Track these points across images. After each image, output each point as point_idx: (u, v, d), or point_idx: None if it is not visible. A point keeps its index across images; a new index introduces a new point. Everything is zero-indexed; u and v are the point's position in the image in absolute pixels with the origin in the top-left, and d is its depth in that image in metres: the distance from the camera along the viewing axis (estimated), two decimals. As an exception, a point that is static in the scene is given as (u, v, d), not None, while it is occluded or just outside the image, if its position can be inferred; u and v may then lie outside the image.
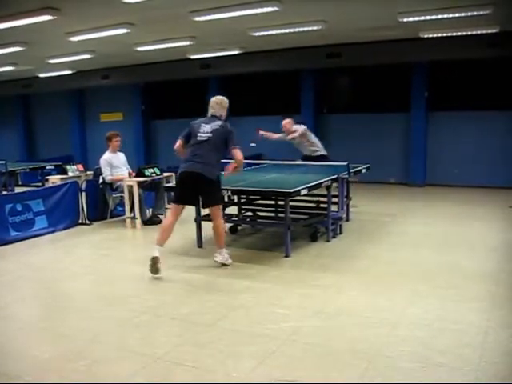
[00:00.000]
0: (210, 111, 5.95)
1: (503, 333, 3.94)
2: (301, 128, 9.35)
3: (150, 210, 8.61)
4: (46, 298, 5.14)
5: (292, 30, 9.43)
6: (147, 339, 4.02)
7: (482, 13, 7.95)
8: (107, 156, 8.45)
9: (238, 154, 5.75)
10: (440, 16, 8.29)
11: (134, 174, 8.48)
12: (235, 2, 7.51)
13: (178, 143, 5.96)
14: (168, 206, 8.89)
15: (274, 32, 9.55)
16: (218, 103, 5.97)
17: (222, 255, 5.87)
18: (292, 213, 6.86)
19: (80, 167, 9.97)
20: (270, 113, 14.13)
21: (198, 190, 5.70)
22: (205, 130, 5.70)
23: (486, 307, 4.47)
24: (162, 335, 4.10)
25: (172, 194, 8.76)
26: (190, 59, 12.82)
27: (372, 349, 3.71)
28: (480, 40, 10.09)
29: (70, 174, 9.59)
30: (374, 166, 9.14)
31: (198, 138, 5.69)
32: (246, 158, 11.33)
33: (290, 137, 9.33)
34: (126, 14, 8.07)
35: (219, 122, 5.75)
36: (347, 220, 8.00)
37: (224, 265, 5.84)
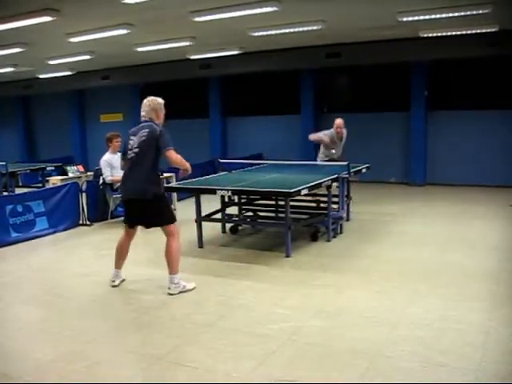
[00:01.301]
0: (141, 115, 5.29)
1: (504, 332, 3.93)
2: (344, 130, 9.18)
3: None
4: (46, 298, 5.14)
5: (291, 30, 9.42)
6: (148, 340, 4.02)
7: (481, 12, 7.95)
8: (107, 157, 8.45)
9: (172, 155, 5.02)
10: (439, 15, 8.28)
11: None
12: (235, 2, 7.50)
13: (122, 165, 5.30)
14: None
15: (273, 32, 9.54)
16: (148, 105, 5.27)
17: (176, 283, 5.04)
18: (292, 213, 6.87)
19: (80, 168, 9.98)
20: (270, 113, 14.16)
21: (140, 213, 5.14)
22: (132, 144, 5.06)
23: (486, 306, 4.48)
24: (163, 336, 4.10)
25: (172, 194, 8.85)
26: (189, 59, 12.82)
27: (372, 349, 3.71)
28: (479, 39, 10.08)
29: (71, 174, 9.60)
30: (374, 166, 9.14)
31: (128, 156, 5.09)
32: (245, 158, 11.41)
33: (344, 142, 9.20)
34: (126, 14, 8.07)
35: (146, 130, 5.03)
36: (347, 220, 8.00)
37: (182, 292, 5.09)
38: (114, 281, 5.37)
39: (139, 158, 4.98)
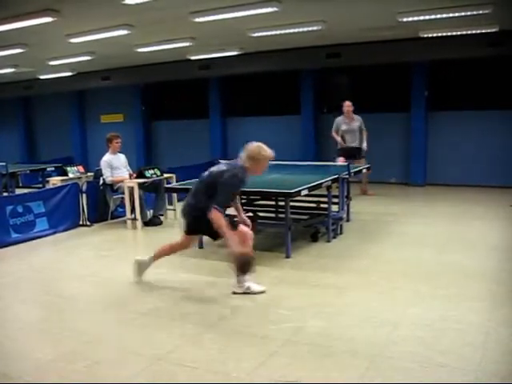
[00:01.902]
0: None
1: (504, 332, 3.93)
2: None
3: (151, 211, 8.61)
4: (46, 299, 5.14)
5: (291, 31, 9.43)
6: (148, 340, 4.02)
7: (481, 12, 7.95)
8: (107, 157, 8.46)
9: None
10: (440, 15, 8.29)
11: (134, 176, 8.50)
12: (235, 2, 7.51)
13: None
14: (169, 206, 8.92)
15: (273, 32, 9.55)
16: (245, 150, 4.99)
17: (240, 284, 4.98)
18: (292, 213, 6.86)
19: (80, 168, 9.98)
20: (269, 113, 14.15)
21: None
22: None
23: (487, 307, 4.47)
24: (163, 336, 4.10)
25: (172, 194, 8.84)
26: (189, 60, 12.82)
27: (373, 349, 3.71)
28: (480, 39, 10.09)
29: (71, 175, 9.60)
30: (375, 166, 9.15)
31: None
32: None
33: (356, 125, 10.37)
34: (126, 15, 8.08)
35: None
36: (348, 220, 8.00)
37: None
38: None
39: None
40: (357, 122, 10.33)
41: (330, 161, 10.19)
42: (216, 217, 4.64)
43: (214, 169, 5.03)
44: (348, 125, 10.33)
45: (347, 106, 10.30)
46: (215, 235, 4.97)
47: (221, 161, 5.05)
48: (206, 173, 5.05)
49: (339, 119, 10.43)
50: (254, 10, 7.72)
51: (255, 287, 4.98)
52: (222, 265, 6.02)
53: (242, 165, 4.88)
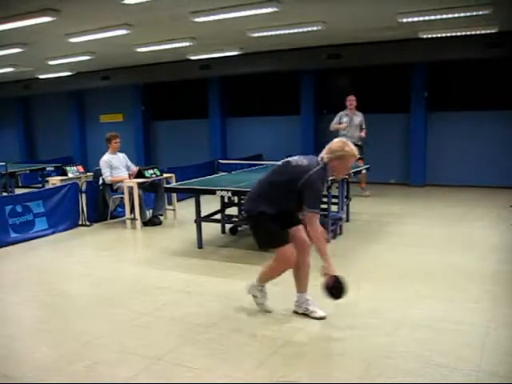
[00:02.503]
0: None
1: (504, 333, 3.93)
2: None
3: (150, 211, 8.60)
4: (46, 299, 5.13)
5: (291, 31, 9.42)
6: (147, 340, 4.01)
7: (481, 13, 7.95)
8: (107, 157, 8.46)
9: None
10: (439, 16, 8.28)
11: (136, 170, 8.46)
12: (235, 2, 7.51)
13: None
14: (168, 206, 8.92)
15: (273, 33, 9.55)
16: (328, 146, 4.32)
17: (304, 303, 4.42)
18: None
19: (80, 168, 9.97)
20: (269, 113, 14.15)
21: None
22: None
23: (486, 308, 4.47)
24: (162, 336, 4.10)
25: (172, 194, 8.84)
26: (189, 60, 12.81)
27: (373, 349, 3.70)
28: (479, 40, 10.09)
29: (70, 175, 9.58)
30: (374, 167, 9.14)
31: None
32: (245, 159, 11.45)
33: (358, 120, 10.20)
34: (126, 15, 8.07)
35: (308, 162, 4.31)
36: (347, 220, 8.00)
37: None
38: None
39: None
40: (358, 117, 10.22)
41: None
42: (319, 233, 4.18)
43: (292, 163, 4.32)
44: (349, 118, 10.20)
45: (350, 100, 10.22)
46: (268, 243, 4.47)
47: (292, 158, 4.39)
48: (284, 164, 4.40)
49: (341, 112, 10.33)
50: (254, 10, 7.72)
51: (317, 311, 4.37)
52: (220, 265, 6.03)
53: (323, 163, 4.21)
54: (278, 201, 4.25)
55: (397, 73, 12.24)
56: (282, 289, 5.12)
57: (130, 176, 8.45)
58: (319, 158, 4.27)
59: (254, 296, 4.56)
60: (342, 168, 4.34)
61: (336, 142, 4.30)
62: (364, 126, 10.24)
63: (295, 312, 4.46)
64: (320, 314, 4.36)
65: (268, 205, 4.24)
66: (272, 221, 4.26)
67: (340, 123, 10.26)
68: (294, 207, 4.31)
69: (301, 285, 4.45)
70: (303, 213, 4.23)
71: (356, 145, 9.42)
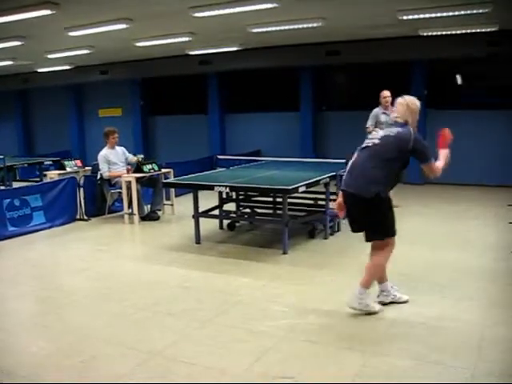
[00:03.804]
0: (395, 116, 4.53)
1: (500, 331, 3.94)
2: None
3: (148, 206, 8.60)
4: (43, 293, 5.13)
5: (291, 27, 9.40)
6: (144, 335, 4.02)
7: (481, 11, 7.94)
8: (105, 152, 8.45)
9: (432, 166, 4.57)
10: (439, 14, 8.27)
11: (136, 159, 8.45)
12: (234, -3, 7.49)
13: None
14: (166, 201, 8.92)
15: (273, 29, 9.52)
16: (404, 104, 4.52)
17: (361, 298, 4.27)
18: (290, 210, 6.86)
19: (78, 163, 9.95)
20: (269, 109, 14.14)
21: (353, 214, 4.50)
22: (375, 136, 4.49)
23: (483, 305, 4.49)
24: (159, 331, 4.10)
25: (170, 189, 8.83)
26: (189, 55, 12.77)
27: (369, 346, 3.71)
28: (479, 38, 10.08)
29: (68, 169, 9.57)
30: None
31: (364, 145, 4.46)
32: (244, 155, 11.44)
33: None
34: (125, 9, 8.04)
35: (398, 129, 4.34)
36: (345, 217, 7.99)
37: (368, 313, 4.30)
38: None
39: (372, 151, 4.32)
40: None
41: (327, 158, 10.17)
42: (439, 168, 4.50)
43: (391, 135, 4.32)
44: (388, 116, 8.29)
45: (384, 96, 8.67)
46: (375, 232, 4.30)
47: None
48: (384, 141, 4.31)
49: (376, 110, 8.79)
50: (254, 5, 7.70)
51: (403, 296, 4.51)
52: (218, 261, 6.04)
53: (407, 125, 4.36)
54: (393, 178, 4.30)
55: (396, 70, 12.22)
56: (277, 285, 5.14)
57: (128, 171, 8.44)
58: (403, 121, 4.37)
59: (365, 305, 4.28)
60: (416, 122, 4.50)
61: (412, 103, 4.53)
62: None
63: (383, 303, 4.43)
64: (405, 297, 4.52)
65: (384, 186, 4.22)
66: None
67: (374, 124, 8.61)
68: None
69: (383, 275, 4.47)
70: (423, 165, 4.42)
71: None
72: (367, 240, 4.35)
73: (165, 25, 9.47)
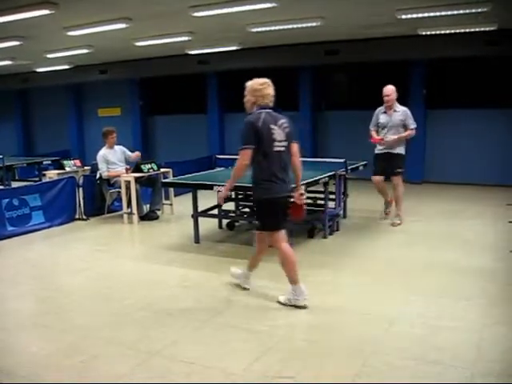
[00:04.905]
0: (267, 102, 4.67)
1: (499, 330, 3.95)
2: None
3: (147, 205, 8.60)
4: (42, 293, 5.13)
5: (290, 27, 9.40)
6: (144, 335, 4.02)
7: (480, 10, 7.94)
8: (104, 152, 8.45)
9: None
10: (438, 13, 8.27)
11: (136, 156, 8.44)
12: (234, -3, 7.49)
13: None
14: (165, 201, 8.91)
15: (272, 28, 9.52)
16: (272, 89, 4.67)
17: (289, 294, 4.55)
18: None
19: (77, 162, 9.95)
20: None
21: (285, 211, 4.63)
22: (277, 136, 4.49)
23: (482, 305, 4.49)
24: (159, 331, 4.10)
25: (169, 189, 8.83)
26: (188, 55, 12.77)
27: (368, 346, 3.71)
28: (478, 37, 10.08)
29: (68, 169, 9.57)
30: (372, 163, 9.13)
31: (274, 149, 4.45)
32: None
33: (398, 119, 7.51)
34: (125, 8, 8.03)
35: (285, 121, 4.59)
36: (344, 217, 8.01)
37: None
38: (305, 298, 4.51)
39: (287, 153, 4.51)
40: (400, 115, 7.49)
41: (326, 157, 10.16)
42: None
43: (278, 130, 4.53)
44: (389, 117, 7.57)
45: (384, 94, 7.67)
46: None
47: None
48: (286, 130, 4.58)
49: (379, 109, 7.79)
50: (253, 5, 7.70)
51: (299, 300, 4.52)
52: (217, 260, 6.04)
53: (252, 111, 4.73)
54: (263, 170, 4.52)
55: (395, 69, 12.21)
56: (276, 285, 5.14)
57: (127, 171, 8.43)
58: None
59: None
60: (260, 100, 4.76)
61: (249, 84, 4.92)
62: (412, 126, 7.55)
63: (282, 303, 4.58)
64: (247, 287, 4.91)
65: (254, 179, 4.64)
66: None
67: (378, 126, 7.68)
68: None
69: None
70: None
71: (391, 154, 7.52)
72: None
73: (164, 24, 9.46)
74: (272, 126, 4.44)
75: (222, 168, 8.38)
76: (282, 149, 4.46)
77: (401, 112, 7.56)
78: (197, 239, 6.81)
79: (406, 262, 5.86)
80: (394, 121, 7.51)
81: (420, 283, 5.07)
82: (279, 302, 4.55)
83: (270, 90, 4.62)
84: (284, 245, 4.55)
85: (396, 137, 7.42)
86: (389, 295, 4.77)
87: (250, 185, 4.69)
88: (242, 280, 5.00)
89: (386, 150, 7.56)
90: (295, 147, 4.62)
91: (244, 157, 4.45)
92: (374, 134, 7.66)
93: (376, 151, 7.69)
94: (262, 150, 4.40)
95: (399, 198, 7.78)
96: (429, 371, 3.34)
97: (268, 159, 4.41)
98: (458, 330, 3.94)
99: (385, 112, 7.66)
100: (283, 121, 4.54)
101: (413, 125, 7.53)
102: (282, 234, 4.57)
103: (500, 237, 6.93)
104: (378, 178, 7.71)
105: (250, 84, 4.79)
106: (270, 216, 4.49)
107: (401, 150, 7.66)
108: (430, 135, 12.12)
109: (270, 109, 4.58)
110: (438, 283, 5.07)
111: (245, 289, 4.95)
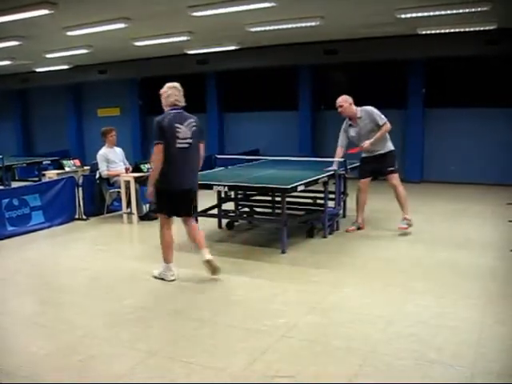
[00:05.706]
0: (176, 101, 5.18)
1: (499, 330, 3.95)
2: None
3: (147, 205, 8.59)
4: (42, 293, 5.13)
5: (289, 26, 9.41)
6: (142, 335, 4.02)
7: (480, 9, 7.95)
8: (103, 151, 8.45)
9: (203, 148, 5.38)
10: (438, 12, 8.28)
11: (130, 169, 8.48)
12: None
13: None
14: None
15: (271, 28, 9.53)
16: (181, 90, 5.26)
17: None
18: (289, 209, 6.86)
19: (77, 162, 9.95)
20: (267, 108, 14.13)
21: (187, 203, 5.34)
22: (183, 134, 5.05)
23: (481, 304, 4.49)
24: (158, 331, 4.10)
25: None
26: (187, 54, 12.78)
27: (367, 345, 3.71)
28: (478, 37, 10.09)
29: (67, 169, 9.57)
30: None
31: (178, 145, 5.03)
32: (243, 154, 11.43)
33: (367, 125, 7.10)
34: (124, 8, 8.04)
35: (193, 120, 5.18)
36: (344, 216, 8.00)
37: None
38: (172, 275, 5.29)
39: (193, 150, 5.11)
40: (366, 119, 7.10)
41: (326, 156, 10.15)
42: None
43: (185, 129, 5.12)
44: (355, 128, 7.22)
45: (337, 105, 7.28)
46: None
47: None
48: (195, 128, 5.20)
49: (344, 125, 7.42)
50: (252, 4, 7.71)
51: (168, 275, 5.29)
52: (217, 260, 6.01)
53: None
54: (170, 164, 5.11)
55: (394, 69, 12.23)
56: (275, 284, 5.14)
57: (126, 170, 8.43)
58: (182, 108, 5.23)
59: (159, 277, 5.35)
60: (169, 102, 5.24)
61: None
62: (381, 122, 7.03)
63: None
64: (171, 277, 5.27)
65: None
66: None
67: (349, 139, 7.33)
68: None
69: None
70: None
71: (381, 155, 7.14)
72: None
73: (163, 24, 9.47)
74: (177, 125, 5.00)
75: (221, 168, 8.37)
76: (186, 145, 5.03)
77: (365, 116, 7.14)
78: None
79: (405, 261, 5.86)
80: (363, 128, 7.14)
81: (420, 282, 5.07)
82: (154, 276, 5.28)
83: (175, 93, 5.16)
84: (166, 231, 5.30)
85: (372, 140, 7.00)
86: (388, 295, 4.77)
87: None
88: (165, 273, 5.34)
89: (372, 154, 7.24)
90: (201, 146, 5.27)
91: (156, 151, 5.01)
92: (339, 150, 7.29)
93: (363, 155, 7.39)
94: (167, 145, 4.96)
95: (402, 199, 7.28)
96: (429, 371, 3.33)
97: (172, 155, 4.96)
98: (458, 330, 3.94)
99: (351, 125, 7.27)
100: (191, 120, 5.11)
101: (381, 121, 7.04)
102: (170, 220, 5.31)
103: (500, 236, 6.93)
104: (365, 181, 7.43)
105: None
106: (165, 204, 5.17)
107: (387, 147, 7.21)
108: (429, 134, 12.13)
109: (180, 109, 5.15)
110: (437, 282, 5.07)
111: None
